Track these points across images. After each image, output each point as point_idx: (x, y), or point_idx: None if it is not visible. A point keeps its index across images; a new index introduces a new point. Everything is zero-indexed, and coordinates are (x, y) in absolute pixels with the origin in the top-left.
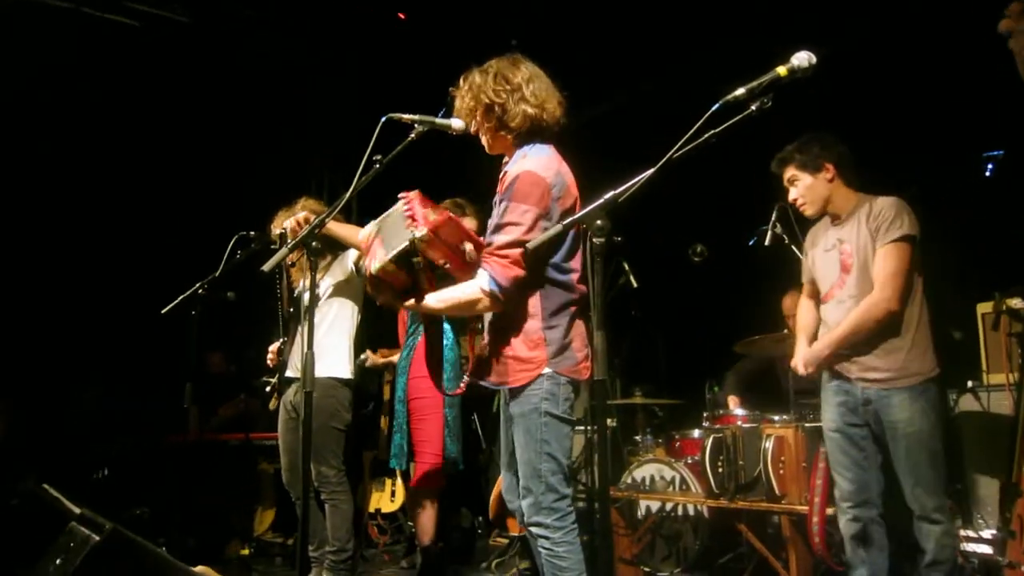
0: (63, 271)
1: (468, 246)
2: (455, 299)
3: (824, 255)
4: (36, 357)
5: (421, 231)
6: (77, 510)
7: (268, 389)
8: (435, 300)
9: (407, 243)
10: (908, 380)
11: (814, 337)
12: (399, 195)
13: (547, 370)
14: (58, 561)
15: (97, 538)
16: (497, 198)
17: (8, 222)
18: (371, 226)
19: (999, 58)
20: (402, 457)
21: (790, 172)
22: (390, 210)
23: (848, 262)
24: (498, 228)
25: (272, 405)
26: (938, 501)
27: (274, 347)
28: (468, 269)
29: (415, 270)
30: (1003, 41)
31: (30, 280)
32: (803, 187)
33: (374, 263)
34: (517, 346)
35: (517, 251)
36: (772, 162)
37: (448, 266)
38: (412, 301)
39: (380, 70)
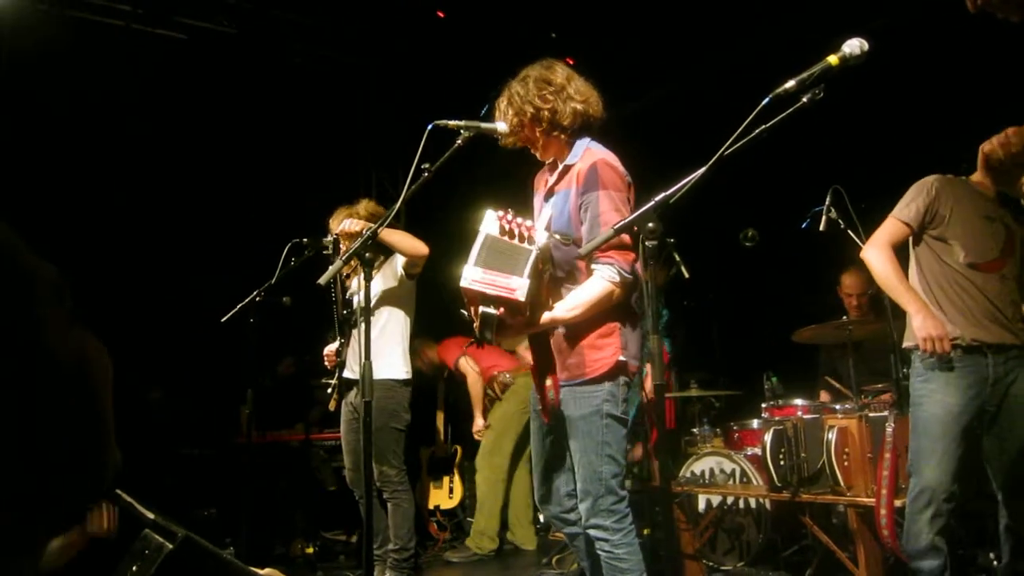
0: (126, 281)
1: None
2: (587, 302)
3: (985, 223)
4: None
5: (544, 235)
6: (150, 516)
7: (329, 391)
8: (566, 311)
9: (537, 252)
10: None
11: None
12: (497, 215)
13: (622, 357)
14: (134, 568)
15: (170, 545)
16: (573, 189)
17: (76, 232)
18: (472, 270)
19: None
20: None
21: None
22: (480, 241)
23: (1013, 246)
24: (598, 218)
25: (332, 406)
26: None
27: (330, 349)
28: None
29: (540, 283)
30: None
31: (97, 288)
32: None
33: (519, 292)
34: (592, 336)
35: (626, 236)
36: None
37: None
38: (545, 317)
39: (424, 70)
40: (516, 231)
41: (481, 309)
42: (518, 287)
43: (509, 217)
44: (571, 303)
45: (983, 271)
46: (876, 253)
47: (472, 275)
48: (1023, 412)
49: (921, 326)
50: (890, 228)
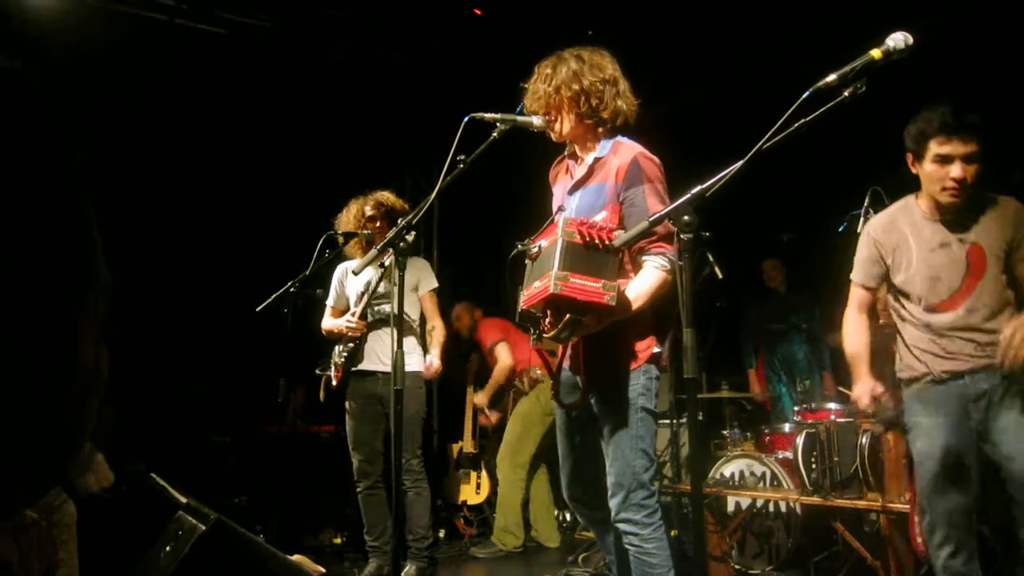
0: (167, 273)
1: None
2: (647, 292)
3: (932, 254)
4: (144, 351)
5: (621, 233)
6: (184, 499)
7: (333, 384)
8: (631, 304)
9: (616, 255)
10: None
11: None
12: (574, 219)
13: (656, 349)
14: (167, 548)
15: (203, 527)
16: (611, 183)
17: (113, 224)
18: (560, 274)
19: None
20: None
21: (971, 146)
22: (559, 244)
23: (981, 265)
24: (646, 212)
25: (323, 398)
26: None
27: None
28: None
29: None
30: None
31: (140, 282)
32: (974, 170)
33: (608, 298)
34: (636, 329)
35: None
36: (944, 120)
37: None
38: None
39: (460, 66)
40: (595, 235)
41: (568, 315)
42: (608, 292)
43: (588, 222)
44: (633, 294)
45: (945, 311)
46: (845, 321)
47: (561, 279)
48: (1015, 422)
49: (857, 388)
50: (852, 293)
